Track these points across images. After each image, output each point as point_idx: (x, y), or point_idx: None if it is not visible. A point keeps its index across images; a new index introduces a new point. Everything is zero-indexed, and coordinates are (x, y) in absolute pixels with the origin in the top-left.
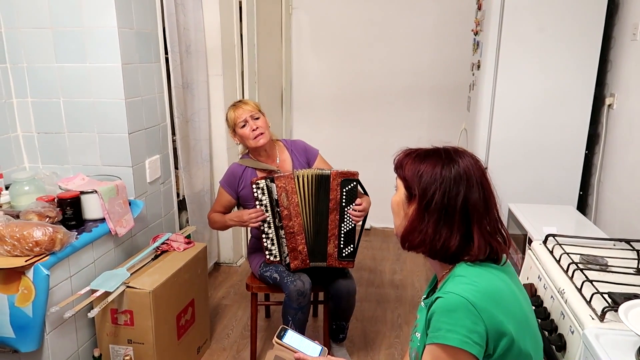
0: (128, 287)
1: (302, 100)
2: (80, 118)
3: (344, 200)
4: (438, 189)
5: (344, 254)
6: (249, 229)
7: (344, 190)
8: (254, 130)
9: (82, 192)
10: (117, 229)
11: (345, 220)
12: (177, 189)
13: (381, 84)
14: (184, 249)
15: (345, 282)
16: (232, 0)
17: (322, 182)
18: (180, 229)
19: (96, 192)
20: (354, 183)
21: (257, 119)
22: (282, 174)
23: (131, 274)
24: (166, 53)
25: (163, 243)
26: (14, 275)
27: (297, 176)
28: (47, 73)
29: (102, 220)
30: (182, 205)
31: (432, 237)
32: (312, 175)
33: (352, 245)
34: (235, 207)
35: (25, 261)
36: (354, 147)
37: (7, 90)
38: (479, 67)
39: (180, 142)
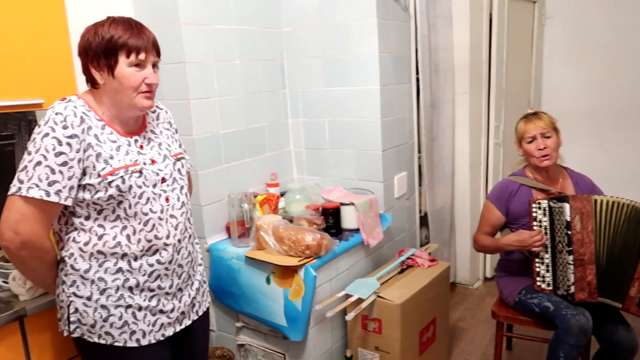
0: (379, 296)
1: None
2: (340, 136)
3: None
4: None
5: None
6: (490, 256)
7: None
8: (540, 149)
9: (341, 204)
10: (369, 240)
11: None
12: (420, 205)
13: None
14: (428, 266)
15: (628, 335)
16: (482, 16)
17: (634, 216)
18: (420, 245)
19: (353, 204)
20: None
21: (548, 137)
22: (579, 195)
23: (381, 284)
24: (417, 73)
25: (408, 258)
26: (289, 272)
27: (596, 200)
28: (317, 96)
29: (357, 230)
30: (422, 222)
31: None
32: (620, 204)
33: None
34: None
35: (299, 261)
36: (618, 171)
37: (285, 111)
38: None
39: (425, 159)
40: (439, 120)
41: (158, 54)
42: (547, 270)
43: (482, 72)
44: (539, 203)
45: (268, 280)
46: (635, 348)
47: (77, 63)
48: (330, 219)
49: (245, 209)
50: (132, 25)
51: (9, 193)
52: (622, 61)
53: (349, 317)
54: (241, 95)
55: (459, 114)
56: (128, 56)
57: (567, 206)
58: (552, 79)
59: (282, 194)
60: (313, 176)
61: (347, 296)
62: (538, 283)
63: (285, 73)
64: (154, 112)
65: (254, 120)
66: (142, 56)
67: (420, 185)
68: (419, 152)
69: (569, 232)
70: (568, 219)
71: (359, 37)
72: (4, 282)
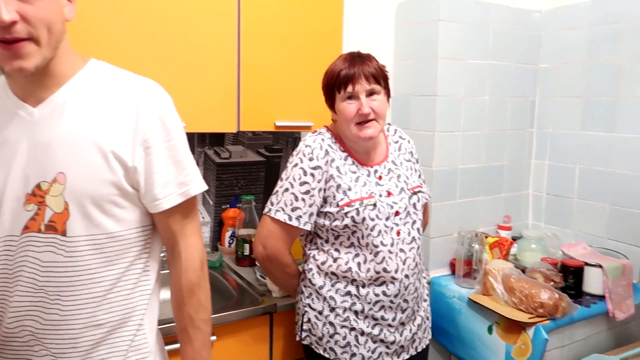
0: None
1: None
2: (593, 186)
3: None
4: None
5: None
6: None
7: None
8: None
9: (586, 263)
10: (615, 312)
11: None
12: None
13: None
14: None
15: None
16: None
17: None
18: None
19: (601, 267)
20: None
21: None
22: None
23: None
24: None
25: None
26: (516, 327)
27: None
28: (569, 139)
29: (601, 297)
30: None
31: None
32: None
33: None
34: None
35: (529, 318)
36: None
37: (529, 152)
38: None
39: None
40: None
41: (377, 80)
42: None
43: None
44: None
45: (490, 330)
46: None
47: None
48: (570, 279)
49: (475, 249)
50: (347, 59)
51: (263, 212)
52: None
53: None
54: (485, 131)
55: None
56: (339, 91)
57: None
58: None
59: (514, 239)
60: (551, 225)
61: None
62: None
63: (536, 111)
64: (396, 142)
65: (494, 158)
66: (350, 89)
67: None
68: None
69: None
70: None
71: (633, 78)
72: (261, 276)
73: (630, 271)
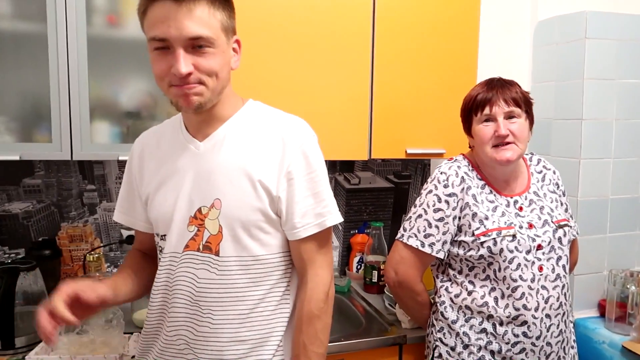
0: None
1: None
2: None
3: None
4: None
5: None
6: None
7: None
8: None
9: None
10: None
11: None
12: None
13: None
14: None
15: None
16: None
17: None
18: None
19: None
20: None
21: None
22: None
23: None
24: None
25: None
26: None
27: None
28: None
29: None
30: None
31: None
32: None
33: None
34: None
35: None
36: None
37: None
38: None
39: None
40: None
41: (517, 104)
42: None
43: None
44: None
45: None
46: None
47: None
48: None
49: (631, 291)
50: (486, 84)
51: (396, 238)
52: None
53: None
54: None
55: None
56: (476, 114)
57: None
58: None
59: None
60: None
61: None
62: None
63: None
64: (540, 172)
65: None
66: (487, 111)
67: None
68: None
69: None
70: None
71: None
72: (390, 305)
73: None
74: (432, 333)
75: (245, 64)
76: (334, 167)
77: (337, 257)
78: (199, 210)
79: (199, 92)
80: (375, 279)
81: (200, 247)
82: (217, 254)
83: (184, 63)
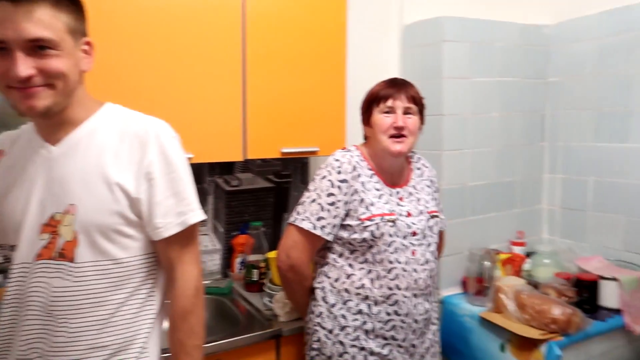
0: None
1: None
2: (608, 198)
3: None
4: None
5: None
6: None
7: None
8: None
9: (601, 277)
10: (633, 326)
11: None
12: None
13: None
14: None
15: None
16: None
17: None
18: None
19: (617, 280)
20: None
21: None
22: None
23: None
24: None
25: None
26: (528, 344)
27: None
28: (582, 152)
29: (618, 311)
30: None
31: None
32: None
33: None
34: None
35: (541, 334)
36: None
37: (541, 166)
38: None
39: None
40: None
41: (415, 102)
42: None
43: None
44: None
45: (502, 348)
46: None
47: (349, 118)
48: (585, 293)
49: (485, 267)
50: (390, 81)
51: (289, 221)
52: None
53: None
54: (495, 147)
55: None
56: (378, 105)
57: None
58: None
59: (528, 255)
60: (566, 239)
61: None
62: None
63: (546, 125)
64: (419, 169)
65: (505, 174)
66: (389, 103)
67: None
68: None
69: None
70: None
71: None
72: (268, 301)
73: None
74: (311, 319)
75: (108, 66)
76: (213, 169)
77: (218, 260)
78: (52, 217)
79: (44, 95)
80: (255, 278)
81: (55, 254)
82: (72, 260)
83: (22, 65)
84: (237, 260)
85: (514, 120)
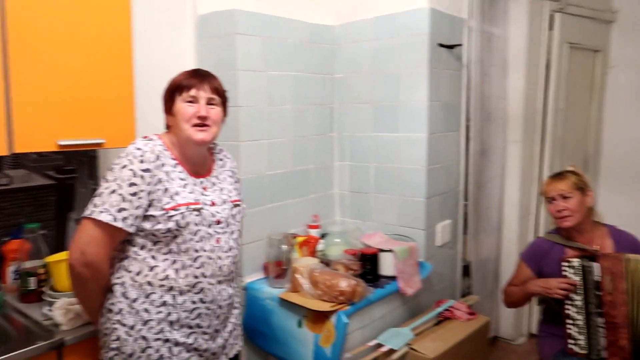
0: (411, 348)
1: (612, 169)
2: (385, 181)
3: None
4: None
5: None
6: (536, 308)
7: None
8: (559, 210)
9: (380, 250)
10: (406, 289)
11: None
12: (464, 254)
13: None
14: (467, 320)
15: None
16: (540, 65)
17: None
18: (461, 296)
19: (392, 251)
20: None
21: (568, 198)
22: (608, 254)
23: (415, 335)
24: (467, 121)
25: (446, 310)
26: (321, 317)
27: (628, 260)
28: (364, 141)
29: (394, 278)
30: (465, 271)
31: None
32: None
33: None
34: None
35: (331, 307)
36: None
37: (332, 155)
38: None
39: (472, 207)
40: (488, 168)
41: (218, 94)
42: (580, 333)
43: (537, 121)
44: (570, 261)
45: (300, 324)
46: None
47: (139, 107)
48: (368, 265)
49: (283, 250)
50: (193, 71)
51: (83, 215)
52: None
53: None
54: (290, 138)
55: (510, 163)
56: (180, 93)
57: (596, 266)
58: (615, 129)
59: (322, 237)
60: (355, 220)
61: (379, 345)
62: (570, 346)
63: (335, 118)
64: (221, 160)
65: (300, 163)
66: (193, 92)
67: (465, 233)
68: (466, 199)
69: (599, 293)
70: (598, 279)
71: (409, 85)
72: (49, 310)
73: (415, 251)
74: (108, 319)
75: None
76: None
77: None
78: None
79: None
80: (33, 287)
81: None
82: None
83: None
84: (10, 269)
85: (306, 112)
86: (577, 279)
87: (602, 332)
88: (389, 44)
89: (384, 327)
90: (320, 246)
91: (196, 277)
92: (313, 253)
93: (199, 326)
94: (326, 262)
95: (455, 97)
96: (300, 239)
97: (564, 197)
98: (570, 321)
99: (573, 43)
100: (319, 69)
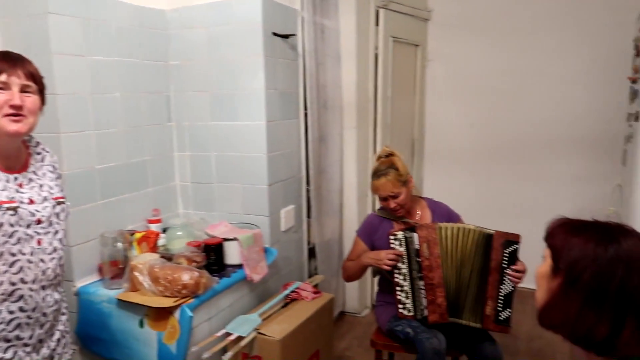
0: (259, 333)
1: (434, 151)
2: (227, 170)
3: (504, 262)
4: (587, 268)
5: (500, 318)
6: (375, 280)
7: (506, 251)
8: (393, 208)
9: (224, 239)
10: (252, 276)
11: (505, 282)
12: (308, 237)
13: (523, 136)
14: (312, 299)
15: (492, 348)
16: (369, 57)
17: (480, 240)
18: (309, 277)
19: (237, 239)
20: (516, 246)
21: (397, 196)
22: (425, 224)
23: (263, 320)
24: (305, 109)
25: (292, 291)
26: (164, 314)
27: (440, 228)
28: (204, 130)
29: (240, 266)
30: (311, 253)
31: (575, 320)
32: (465, 230)
33: (509, 309)
34: None
35: (174, 302)
36: (489, 202)
37: (171, 145)
38: (637, 118)
39: (314, 192)
40: (327, 154)
41: (34, 80)
42: (407, 297)
43: (369, 108)
44: (395, 235)
45: (141, 324)
46: (499, 359)
47: None
48: (212, 256)
49: (118, 248)
50: (3, 54)
51: None
52: (494, 102)
53: (227, 356)
54: (122, 128)
55: (347, 148)
56: None
57: (415, 235)
58: (435, 116)
59: (164, 231)
60: (199, 211)
61: (227, 335)
62: (400, 310)
63: (172, 106)
64: (39, 154)
65: (136, 154)
66: (4, 78)
67: (309, 217)
68: (308, 185)
69: (419, 259)
70: (417, 247)
71: (246, 73)
72: None
73: (260, 238)
74: None
75: None
76: None
77: None
78: None
79: None
80: None
81: None
82: None
83: None
84: None
85: (139, 101)
86: (401, 249)
87: (424, 294)
88: (224, 31)
89: (233, 315)
90: (161, 241)
91: (13, 283)
92: (154, 249)
93: (18, 338)
94: (168, 257)
95: (293, 86)
96: (138, 235)
97: (394, 197)
98: (399, 288)
99: (397, 37)
100: (152, 55)
